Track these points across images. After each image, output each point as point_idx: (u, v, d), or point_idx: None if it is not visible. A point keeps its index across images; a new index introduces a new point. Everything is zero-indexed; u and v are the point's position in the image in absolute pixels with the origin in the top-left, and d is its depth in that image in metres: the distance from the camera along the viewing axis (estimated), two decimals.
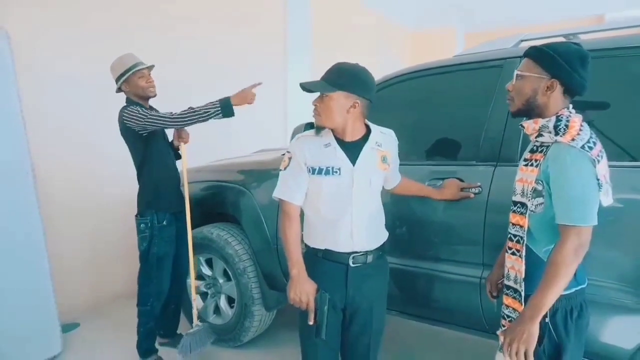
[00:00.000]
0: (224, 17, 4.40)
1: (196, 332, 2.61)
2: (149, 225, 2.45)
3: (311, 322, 1.64)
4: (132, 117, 2.31)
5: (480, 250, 1.89)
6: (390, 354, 2.61)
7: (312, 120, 1.70)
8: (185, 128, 2.53)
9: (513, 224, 1.44)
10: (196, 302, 2.74)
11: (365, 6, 6.72)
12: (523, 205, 1.40)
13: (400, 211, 2.08)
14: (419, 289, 2.11)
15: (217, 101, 2.31)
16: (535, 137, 1.40)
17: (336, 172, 1.62)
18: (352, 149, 1.64)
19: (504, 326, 1.46)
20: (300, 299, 1.63)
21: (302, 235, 1.74)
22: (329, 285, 1.66)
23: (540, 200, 1.35)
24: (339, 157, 1.63)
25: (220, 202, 2.86)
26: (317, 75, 1.67)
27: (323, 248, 1.68)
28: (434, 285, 2.05)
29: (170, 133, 2.62)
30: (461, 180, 1.94)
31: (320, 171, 1.63)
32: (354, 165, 1.63)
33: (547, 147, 1.35)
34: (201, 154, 3.12)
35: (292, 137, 2.09)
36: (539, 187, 1.35)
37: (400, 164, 1.85)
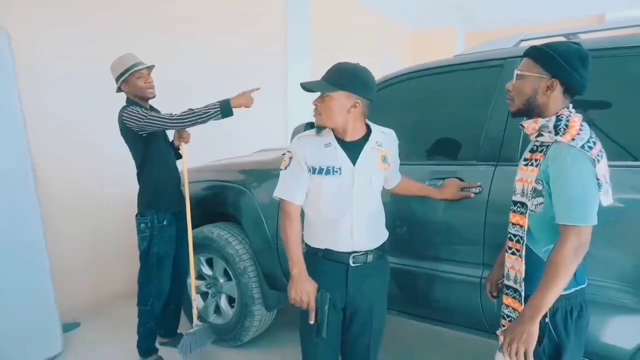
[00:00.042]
0: (224, 17, 4.41)
1: (196, 332, 2.61)
2: (149, 225, 2.45)
3: (312, 322, 1.64)
4: (132, 118, 2.31)
5: (481, 250, 1.89)
6: (390, 353, 2.61)
7: (313, 120, 1.70)
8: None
9: (513, 224, 1.44)
10: (196, 301, 2.74)
11: (366, 6, 6.72)
12: (523, 205, 1.40)
13: (400, 211, 2.08)
14: (419, 289, 2.11)
15: (216, 103, 2.32)
16: (535, 137, 1.40)
17: (337, 171, 1.63)
18: (353, 149, 1.64)
19: (503, 326, 1.46)
20: (301, 299, 1.63)
21: (302, 235, 1.74)
22: (330, 284, 1.66)
23: (540, 200, 1.35)
24: (340, 156, 1.63)
25: (220, 201, 2.86)
26: (317, 75, 1.67)
27: (323, 248, 1.68)
28: (434, 285, 2.05)
29: (170, 133, 2.62)
30: (461, 180, 1.94)
31: (320, 171, 1.63)
32: (354, 165, 1.63)
33: (547, 146, 1.35)
34: (202, 153, 3.12)
35: (292, 137, 2.09)
36: (539, 187, 1.35)
37: (400, 164, 1.85)
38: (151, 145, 2.44)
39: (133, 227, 2.52)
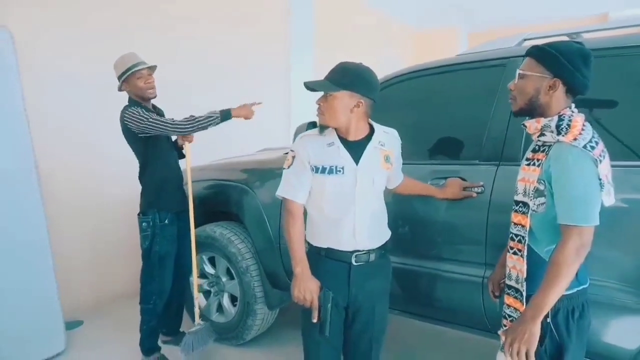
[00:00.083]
0: (224, 17, 4.40)
1: (198, 331, 2.62)
2: (151, 224, 2.46)
3: (315, 320, 1.64)
4: (133, 119, 2.32)
5: (483, 250, 1.89)
6: (392, 353, 2.62)
7: (315, 119, 1.71)
8: None
9: (515, 224, 1.44)
10: (199, 300, 2.75)
11: (368, 6, 6.70)
12: (525, 204, 1.39)
13: (402, 210, 2.08)
14: (422, 288, 2.11)
15: (217, 111, 2.37)
16: (538, 137, 1.40)
17: (339, 171, 1.63)
18: (356, 148, 1.65)
19: (505, 326, 1.46)
20: (304, 297, 1.64)
21: (305, 233, 1.75)
22: (332, 283, 1.67)
23: (542, 200, 1.35)
24: (343, 156, 1.64)
25: (223, 200, 2.87)
26: (319, 75, 1.68)
27: (326, 246, 1.69)
28: (436, 285, 2.05)
29: None
30: (464, 180, 1.94)
31: (323, 170, 1.64)
32: (357, 164, 1.64)
33: (549, 146, 1.35)
34: (204, 153, 3.13)
35: (295, 136, 2.10)
36: (541, 187, 1.35)
37: (402, 163, 1.85)
38: (153, 144, 2.44)
39: (135, 226, 2.53)
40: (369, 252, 1.68)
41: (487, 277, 1.80)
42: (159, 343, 2.67)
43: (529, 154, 1.44)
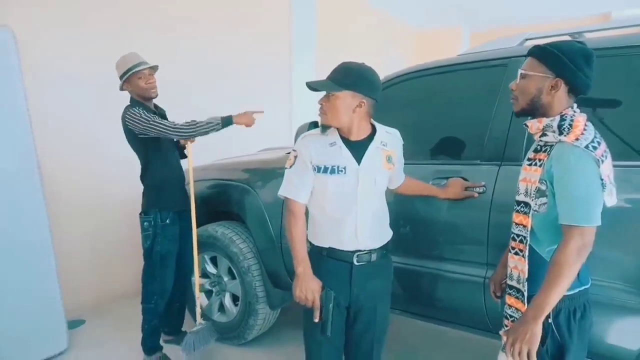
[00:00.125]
0: (224, 17, 4.40)
1: (200, 330, 2.62)
2: (153, 223, 2.47)
3: (316, 320, 1.65)
4: (134, 120, 2.32)
5: (485, 250, 1.89)
6: (393, 353, 2.62)
7: (317, 119, 1.71)
8: None
9: (516, 224, 1.43)
10: (200, 300, 2.75)
11: (371, 5, 6.70)
12: (526, 204, 1.39)
13: (404, 210, 2.08)
14: (423, 288, 2.11)
15: (219, 118, 2.38)
16: (539, 137, 1.40)
17: (341, 171, 1.63)
18: (358, 148, 1.65)
19: (506, 326, 1.46)
20: (306, 297, 1.64)
21: (306, 233, 1.75)
22: (334, 283, 1.67)
23: (544, 200, 1.35)
24: (345, 156, 1.64)
25: (225, 200, 2.87)
26: (321, 74, 1.68)
27: (327, 246, 1.69)
28: (438, 285, 2.05)
29: None
30: (465, 180, 1.94)
31: (325, 170, 1.64)
32: (359, 164, 1.64)
33: (551, 146, 1.35)
34: (206, 152, 3.13)
35: (296, 136, 2.10)
36: (543, 187, 1.35)
37: (404, 163, 1.85)
38: (154, 144, 2.45)
39: (137, 225, 2.53)
40: (370, 252, 1.68)
41: (488, 277, 1.80)
42: (161, 342, 2.68)
43: (530, 154, 1.44)
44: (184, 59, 3.96)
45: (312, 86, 1.61)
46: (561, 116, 1.34)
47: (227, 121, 2.41)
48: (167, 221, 2.49)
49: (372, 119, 1.70)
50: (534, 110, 1.40)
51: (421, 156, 2.19)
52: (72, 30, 3.21)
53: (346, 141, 1.65)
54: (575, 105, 1.39)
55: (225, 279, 2.87)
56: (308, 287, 1.64)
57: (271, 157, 2.84)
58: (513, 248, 1.44)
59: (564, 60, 1.33)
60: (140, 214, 2.52)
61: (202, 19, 4.17)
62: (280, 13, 5.10)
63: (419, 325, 2.58)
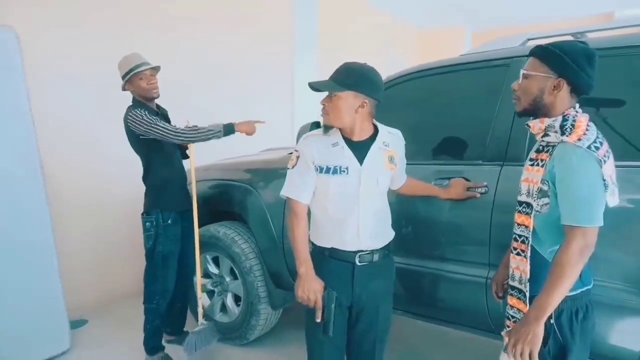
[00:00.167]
0: (224, 17, 4.40)
1: (202, 331, 2.63)
2: (154, 223, 2.47)
3: (319, 320, 1.65)
4: (136, 121, 2.33)
5: (487, 251, 1.89)
6: (395, 353, 2.61)
7: (319, 119, 1.71)
8: None
9: (518, 224, 1.43)
10: (202, 300, 2.75)
11: (372, 6, 6.69)
12: (528, 205, 1.39)
13: (406, 211, 2.08)
14: (425, 289, 2.11)
15: (221, 125, 2.41)
16: (542, 137, 1.39)
17: (344, 171, 1.63)
18: (360, 149, 1.65)
19: (508, 327, 1.46)
20: (308, 297, 1.64)
21: (308, 234, 1.75)
22: (336, 283, 1.67)
23: (546, 200, 1.35)
24: (347, 156, 1.64)
25: (227, 200, 2.88)
26: (323, 75, 1.68)
27: (329, 246, 1.69)
28: (440, 285, 2.05)
29: None
30: (467, 180, 1.93)
31: (328, 170, 1.64)
32: (361, 164, 1.64)
33: (553, 147, 1.34)
34: (208, 152, 3.13)
35: (298, 136, 2.10)
36: (545, 187, 1.35)
37: (406, 164, 1.85)
38: (156, 145, 2.45)
39: (138, 225, 2.54)
40: (372, 252, 1.68)
41: (490, 278, 1.80)
42: (163, 342, 2.68)
43: (532, 155, 1.44)
44: (184, 59, 3.96)
45: (315, 86, 1.62)
46: (563, 116, 1.34)
47: (229, 129, 2.43)
48: (169, 221, 2.49)
49: (374, 120, 1.70)
50: (536, 110, 1.40)
51: (423, 156, 2.19)
52: (73, 30, 3.21)
53: (348, 141, 1.65)
54: (577, 106, 1.38)
55: (227, 279, 2.88)
56: (310, 288, 1.64)
57: (273, 157, 2.84)
58: (515, 248, 1.44)
59: (566, 60, 1.33)
60: (142, 214, 2.52)
61: (203, 19, 4.17)
62: (281, 13, 5.10)
63: (420, 325, 2.58)
